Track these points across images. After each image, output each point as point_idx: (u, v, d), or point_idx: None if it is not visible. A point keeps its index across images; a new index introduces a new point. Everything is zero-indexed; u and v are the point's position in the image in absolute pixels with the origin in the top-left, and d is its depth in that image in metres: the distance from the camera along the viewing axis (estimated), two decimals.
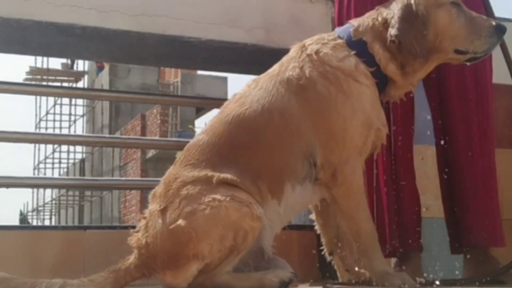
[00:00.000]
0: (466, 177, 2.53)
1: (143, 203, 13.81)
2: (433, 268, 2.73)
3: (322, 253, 2.31)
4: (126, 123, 17.06)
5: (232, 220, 1.87)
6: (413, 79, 2.13)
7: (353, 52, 2.07)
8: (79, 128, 18.63)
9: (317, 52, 2.07)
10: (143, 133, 16.00)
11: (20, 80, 15.61)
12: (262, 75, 2.15)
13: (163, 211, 1.93)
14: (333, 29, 3.39)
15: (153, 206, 1.98)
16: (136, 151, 15.78)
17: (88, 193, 17.90)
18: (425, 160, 2.82)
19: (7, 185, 3.14)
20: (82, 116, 18.99)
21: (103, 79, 17.96)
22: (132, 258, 1.97)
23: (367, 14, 2.15)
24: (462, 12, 2.09)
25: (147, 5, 3.12)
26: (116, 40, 3.17)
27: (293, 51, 2.14)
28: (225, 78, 17.09)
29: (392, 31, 2.02)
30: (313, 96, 2.02)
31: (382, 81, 2.09)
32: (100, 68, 18.49)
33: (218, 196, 1.87)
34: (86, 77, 19.79)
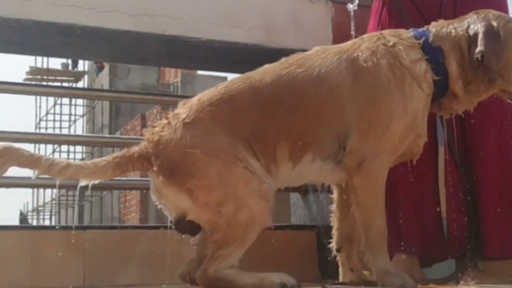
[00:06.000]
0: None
1: (143, 203, 13.80)
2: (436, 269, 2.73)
3: (329, 245, 2.30)
4: (126, 123, 17.03)
5: (238, 193, 1.92)
6: (475, 99, 2.14)
7: (426, 57, 2.08)
8: (79, 128, 18.60)
9: (393, 45, 2.08)
10: None
11: (20, 80, 15.58)
12: (332, 46, 2.17)
13: (186, 126, 1.98)
14: (333, 29, 3.40)
15: (181, 111, 2.04)
16: None
17: (88, 193, 17.87)
18: None
19: (7, 185, 3.13)
20: (82, 116, 18.95)
21: (103, 79, 17.94)
22: (137, 148, 2.03)
23: (447, 21, 2.15)
24: None
25: (147, 5, 3.12)
26: (116, 40, 3.17)
27: (369, 36, 2.16)
28: (225, 78, 17.06)
29: (478, 48, 2.02)
30: (371, 82, 2.03)
31: (440, 92, 2.10)
32: (100, 68, 18.47)
33: (236, 156, 1.93)
34: (86, 77, 19.76)
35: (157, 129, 2.03)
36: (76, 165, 2.01)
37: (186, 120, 2.00)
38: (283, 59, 2.15)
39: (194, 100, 2.06)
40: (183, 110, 2.05)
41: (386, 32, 2.15)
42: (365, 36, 2.18)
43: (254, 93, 2.04)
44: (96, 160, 2.04)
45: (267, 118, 2.02)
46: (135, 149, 2.04)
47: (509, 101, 2.20)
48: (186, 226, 2.05)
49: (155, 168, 1.99)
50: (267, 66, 2.14)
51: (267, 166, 2.03)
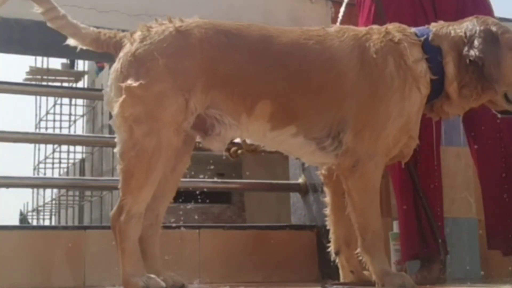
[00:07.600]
0: None
1: None
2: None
3: (328, 249, 2.29)
4: None
5: (159, 119, 1.89)
6: (466, 104, 2.13)
7: (426, 56, 2.07)
8: (79, 128, 18.58)
9: (398, 42, 2.07)
10: None
11: (20, 80, 15.57)
12: (351, 28, 2.14)
13: (176, 32, 1.96)
14: None
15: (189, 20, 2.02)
16: None
17: (88, 193, 17.87)
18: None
19: (7, 185, 3.14)
20: (82, 116, 18.94)
21: (103, 79, 17.92)
22: (124, 34, 2.03)
23: (447, 23, 2.15)
24: None
25: (147, 5, 3.12)
26: None
27: (377, 28, 2.14)
28: None
29: (476, 52, 2.01)
30: (376, 75, 2.02)
31: (435, 93, 2.09)
32: (100, 68, 18.46)
33: (188, 87, 1.91)
34: (86, 77, 19.76)
35: (155, 24, 2.02)
36: (68, 21, 2.05)
37: (181, 28, 1.98)
38: (306, 29, 2.12)
39: (197, 25, 2.02)
40: (192, 19, 2.03)
41: (391, 27, 2.13)
42: (374, 26, 2.17)
43: (262, 44, 2.02)
44: (84, 26, 2.06)
45: (263, 72, 1.99)
46: (121, 34, 2.04)
47: (494, 111, 2.20)
48: None
49: (121, 54, 1.98)
50: (288, 28, 2.13)
51: (237, 113, 1.99)
